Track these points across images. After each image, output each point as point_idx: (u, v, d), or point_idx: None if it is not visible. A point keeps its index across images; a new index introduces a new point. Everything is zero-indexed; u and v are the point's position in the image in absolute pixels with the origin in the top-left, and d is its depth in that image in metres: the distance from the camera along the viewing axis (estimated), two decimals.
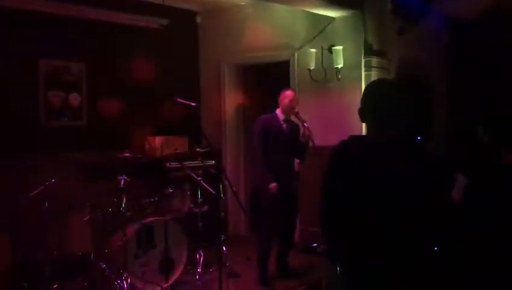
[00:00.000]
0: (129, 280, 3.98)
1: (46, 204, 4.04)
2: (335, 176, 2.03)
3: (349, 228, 1.96)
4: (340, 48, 5.27)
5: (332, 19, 5.43)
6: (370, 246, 1.91)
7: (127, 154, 4.25)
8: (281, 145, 4.53)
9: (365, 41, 5.27)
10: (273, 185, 4.43)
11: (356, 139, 2.06)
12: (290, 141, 4.57)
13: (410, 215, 1.89)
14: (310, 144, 4.51)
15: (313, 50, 5.43)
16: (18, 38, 4.86)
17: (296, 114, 4.60)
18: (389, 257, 1.89)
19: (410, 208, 1.89)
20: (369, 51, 5.28)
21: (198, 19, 6.54)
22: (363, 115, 2.04)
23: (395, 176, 1.88)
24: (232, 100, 6.45)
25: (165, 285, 4.25)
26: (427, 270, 1.91)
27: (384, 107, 1.99)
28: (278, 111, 4.64)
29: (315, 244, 5.14)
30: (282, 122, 4.60)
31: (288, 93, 4.64)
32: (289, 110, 4.59)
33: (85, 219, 4.25)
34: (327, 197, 2.06)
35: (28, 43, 4.91)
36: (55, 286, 4.06)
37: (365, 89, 2.11)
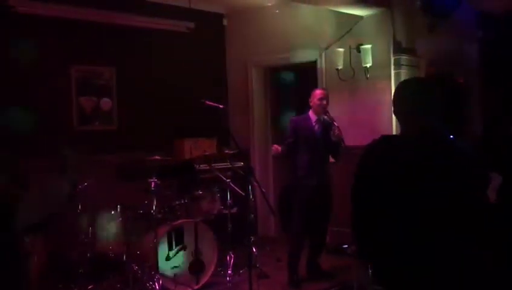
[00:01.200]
0: (160, 282, 4.03)
1: (80, 205, 4.13)
2: (365, 176, 2.01)
3: (379, 229, 1.92)
4: (368, 46, 5.20)
5: (360, 17, 5.37)
6: (400, 246, 1.87)
7: (157, 157, 4.30)
8: (312, 146, 4.49)
9: (394, 39, 5.19)
10: (275, 145, 4.51)
11: (387, 138, 2.03)
12: (323, 141, 4.52)
13: (442, 215, 1.85)
14: (342, 144, 4.46)
15: (341, 49, 5.38)
16: (50, 45, 4.98)
17: (326, 113, 4.54)
18: (419, 257, 1.85)
19: (442, 208, 1.85)
20: (398, 49, 5.20)
21: (225, 21, 6.57)
22: (396, 114, 2.01)
23: (425, 175, 1.84)
24: (259, 101, 6.46)
25: (196, 287, 4.28)
26: (461, 271, 1.86)
27: (413, 105, 1.97)
28: (310, 112, 4.60)
29: (346, 246, 5.08)
30: (314, 124, 4.55)
31: (318, 92, 4.59)
32: (320, 109, 4.54)
33: (117, 220, 4.33)
34: (358, 197, 2.04)
35: (60, 49, 5.04)
36: (90, 286, 4.14)
37: (396, 88, 2.08)
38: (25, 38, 4.77)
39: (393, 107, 2.02)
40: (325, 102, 4.54)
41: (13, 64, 4.73)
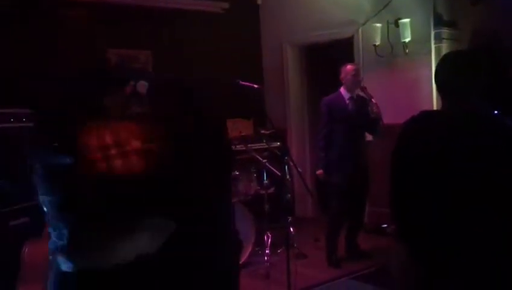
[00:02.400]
0: None
1: None
2: (405, 154, 1.95)
3: (417, 208, 1.87)
4: (407, 20, 5.02)
5: None
6: (435, 226, 1.81)
7: None
8: (348, 125, 4.41)
9: (434, 12, 4.99)
10: (319, 171, 4.47)
11: (427, 114, 1.97)
12: (358, 119, 4.42)
13: (482, 195, 1.77)
14: (380, 122, 4.36)
15: (378, 25, 5.22)
16: (87, 28, 5.05)
17: (363, 89, 4.42)
18: (454, 238, 1.79)
19: (482, 187, 1.77)
20: (439, 22, 4.99)
21: (259, 1, 6.49)
22: (437, 89, 1.93)
23: (465, 152, 1.77)
24: (295, 81, 6.38)
25: None
26: (498, 256, 1.79)
27: (455, 80, 1.89)
28: (342, 89, 4.50)
29: (385, 225, 5.01)
30: (347, 101, 4.47)
31: (350, 67, 4.46)
32: (355, 85, 4.42)
33: None
34: (396, 176, 1.99)
35: (95, 34, 5.10)
36: None
37: (438, 63, 1.99)
38: (60, 22, 4.86)
39: (435, 82, 1.94)
40: (359, 77, 4.43)
41: (48, 49, 4.83)
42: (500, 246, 1.78)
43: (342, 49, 5.70)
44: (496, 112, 4.09)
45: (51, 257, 1.52)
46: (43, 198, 1.49)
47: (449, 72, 1.93)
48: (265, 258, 4.46)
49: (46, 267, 1.56)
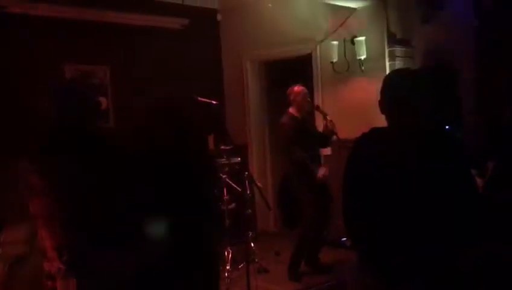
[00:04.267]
0: None
1: None
2: (356, 169, 2.01)
3: (370, 222, 1.92)
4: (362, 38, 5.18)
5: (354, 9, 5.35)
6: (393, 240, 1.87)
7: None
8: (308, 144, 4.49)
9: (388, 31, 5.17)
10: (322, 171, 4.36)
11: (377, 131, 2.03)
12: (312, 137, 4.55)
13: (436, 208, 1.85)
14: (334, 137, 4.47)
15: (335, 42, 5.37)
16: (44, 43, 4.96)
17: (317, 108, 4.55)
18: (413, 251, 1.85)
19: (436, 201, 1.85)
20: (392, 41, 5.18)
21: (219, 17, 6.54)
22: (383, 107, 2.00)
23: (417, 167, 1.84)
24: (255, 96, 6.44)
25: None
26: (455, 264, 1.87)
27: (404, 96, 1.96)
28: (291, 109, 4.54)
29: (344, 239, 5.09)
30: (300, 121, 4.54)
31: (298, 89, 4.52)
32: (305, 106, 4.52)
33: None
34: (349, 191, 2.04)
35: (53, 48, 5.02)
36: None
37: (384, 79, 2.07)
38: (17, 38, 4.76)
39: (382, 99, 2.00)
40: (309, 98, 4.56)
41: (7, 64, 4.72)
42: (453, 240, 1.85)
43: (301, 66, 5.81)
44: (447, 127, 4.25)
45: None
46: None
47: (398, 90, 2.00)
48: (226, 274, 4.44)
49: None
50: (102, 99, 5.36)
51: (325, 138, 4.45)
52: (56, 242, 2.02)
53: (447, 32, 5.66)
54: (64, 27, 5.09)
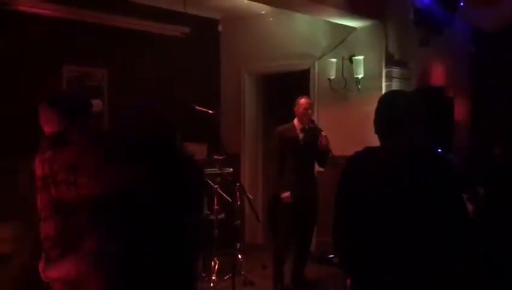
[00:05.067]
0: None
1: None
2: (348, 187, 2.02)
3: (360, 240, 1.93)
4: (360, 57, 5.24)
5: (353, 28, 5.41)
6: (384, 257, 1.88)
7: None
8: (298, 155, 4.51)
9: (386, 52, 5.24)
10: (286, 194, 4.43)
11: (370, 150, 2.04)
12: (308, 150, 4.53)
13: (427, 226, 1.87)
14: (329, 154, 4.48)
15: (334, 60, 5.41)
16: (43, 44, 4.97)
17: (312, 122, 4.58)
18: (404, 268, 1.87)
19: (426, 220, 1.87)
20: (390, 61, 5.24)
21: (220, 28, 6.59)
22: (377, 126, 2.02)
23: (408, 187, 1.86)
24: (251, 108, 6.47)
25: None
26: (444, 282, 1.88)
27: (398, 117, 1.98)
28: (295, 121, 4.63)
29: (331, 256, 5.08)
30: (299, 132, 4.58)
31: (303, 101, 4.60)
32: (305, 118, 4.57)
33: None
34: (341, 208, 2.05)
35: (53, 49, 5.02)
36: None
37: (379, 99, 2.09)
38: (18, 37, 4.76)
39: (376, 119, 2.02)
40: (310, 111, 4.61)
41: (5, 63, 4.71)
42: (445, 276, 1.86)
43: (298, 81, 5.85)
44: (439, 150, 4.28)
45: None
46: None
47: (392, 110, 2.02)
48: (212, 284, 4.42)
49: None
50: (98, 102, 5.38)
51: (324, 154, 4.45)
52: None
53: (445, 57, 5.73)
54: (64, 28, 5.10)
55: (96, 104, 5.37)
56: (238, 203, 4.44)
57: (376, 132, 2.03)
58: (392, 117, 1.99)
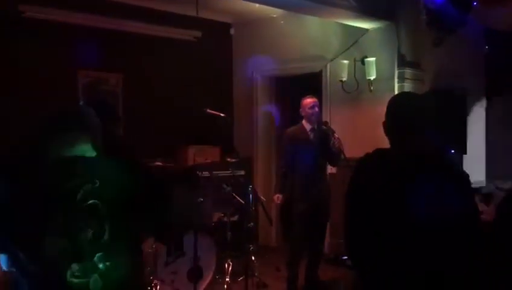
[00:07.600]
0: (158, 287, 4.05)
1: None
2: (358, 189, 2.03)
3: (371, 241, 1.94)
4: (373, 59, 5.23)
5: (366, 30, 5.41)
6: (391, 260, 1.89)
7: (158, 163, 4.34)
8: (309, 156, 4.49)
9: (398, 53, 5.22)
10: (277, 196, 4.51)
11: (380, 152, 2.05)
12: (319, 150, 4.52)
13: (438, 229, 1.87)
14: (342, 156, 4.48)
15: (346, 61, 5.42)
16: (59, 49, 5.06)
17: (325, 124, 4.57)
18: (416, 270, 1.87)
19: (434, 224, 1.87)
20: (402, 63, 5.22)
21: (232, 31, 6.63)
22: (387, 128, 2.03)
23: (417, 190, 1.86)
24: (264, 111, 6.50)
25: None
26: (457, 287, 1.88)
27: (408, 119, 1.98)
28: (304, 121, 4.61)
29: (345, 257, 5.08)
30: (309, 133, 4.57)
31: (306, 101, 4.55)
32: (313, 117, 4.54)
33: None
34: (351, 209, 2.06)
35: (68, 54, 5.11)
36: None
37: (389, 101, 2.09)
38: (33, 44, 4.85)
39: (386, 120, 2.03)
40: (316, 109, 4.55)
41: (22, 69, 4.81)
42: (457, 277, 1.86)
43: (310, 83, 5.86)
44: (452, 151, 4.25)
45: None
46: None
47: (403, 112, 2.02)
48: (225, 286, 4.45)
49: None
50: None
51: (335, 154, 4.42)
52: None
53: (458, 57, 5.69)
54: (79, 34, 5.19)
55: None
56: (252, 205, 4.47)
57: (386, 134, 2.04)
58: (401, 119, 2.00)
